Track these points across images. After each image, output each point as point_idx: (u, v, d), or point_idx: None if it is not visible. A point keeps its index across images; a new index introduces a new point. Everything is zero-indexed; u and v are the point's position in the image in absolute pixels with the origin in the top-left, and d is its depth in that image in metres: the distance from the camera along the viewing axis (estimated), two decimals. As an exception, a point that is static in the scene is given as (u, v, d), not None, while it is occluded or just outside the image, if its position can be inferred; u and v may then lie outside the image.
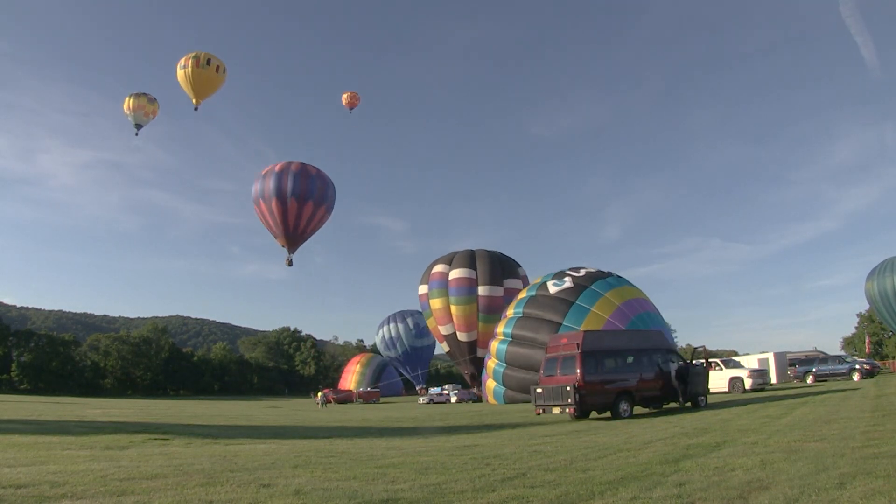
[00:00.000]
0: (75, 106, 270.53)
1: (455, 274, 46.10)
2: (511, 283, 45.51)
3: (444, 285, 46.50)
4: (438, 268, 47.77)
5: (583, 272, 33.31)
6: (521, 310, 32.60)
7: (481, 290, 44.75)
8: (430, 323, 50.44)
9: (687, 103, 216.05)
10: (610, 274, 34.16)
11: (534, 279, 36.43)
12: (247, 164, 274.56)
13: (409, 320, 66.36)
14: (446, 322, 47.20)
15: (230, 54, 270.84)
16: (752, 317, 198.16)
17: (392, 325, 67.03)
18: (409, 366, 67.72)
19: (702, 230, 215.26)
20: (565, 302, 31.26)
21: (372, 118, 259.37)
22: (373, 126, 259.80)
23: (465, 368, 49.64)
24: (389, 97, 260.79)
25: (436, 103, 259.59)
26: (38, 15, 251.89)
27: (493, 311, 43.09)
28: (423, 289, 48.90)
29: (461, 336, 46.91)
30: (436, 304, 47.26)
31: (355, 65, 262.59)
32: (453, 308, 46.07)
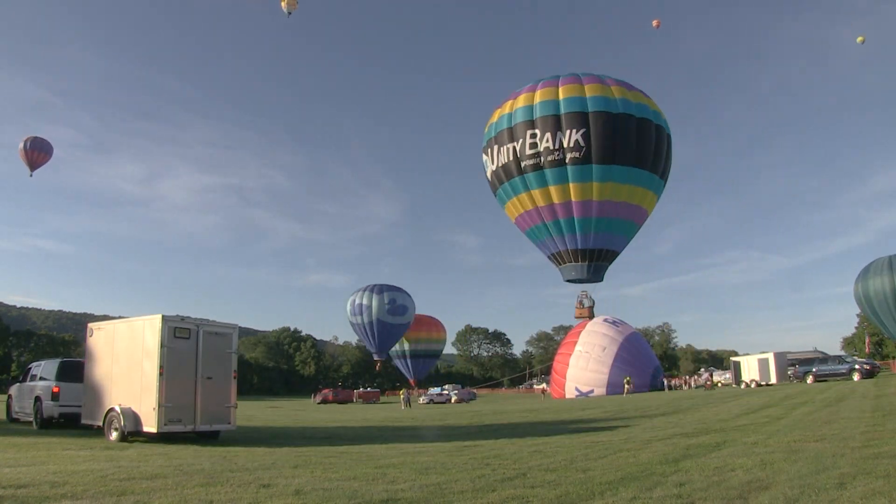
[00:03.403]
0: (225, 141, 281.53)
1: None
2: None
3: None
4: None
5: None
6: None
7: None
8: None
9: (760, 147, 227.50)
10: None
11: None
12: (362, 192, 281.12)
13: (385, 295, 66.15)
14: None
15: (373, 97, 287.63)
16: (766, 320, 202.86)
17: (367, 294, 67.02)
18: (377, 340, 67.40)
19: (743, 244, 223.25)
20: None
21: (472, 150, 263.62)
22: (469, 157, 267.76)
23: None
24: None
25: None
26: (206, 59, 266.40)
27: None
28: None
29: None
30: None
31: (465, 104, 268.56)
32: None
